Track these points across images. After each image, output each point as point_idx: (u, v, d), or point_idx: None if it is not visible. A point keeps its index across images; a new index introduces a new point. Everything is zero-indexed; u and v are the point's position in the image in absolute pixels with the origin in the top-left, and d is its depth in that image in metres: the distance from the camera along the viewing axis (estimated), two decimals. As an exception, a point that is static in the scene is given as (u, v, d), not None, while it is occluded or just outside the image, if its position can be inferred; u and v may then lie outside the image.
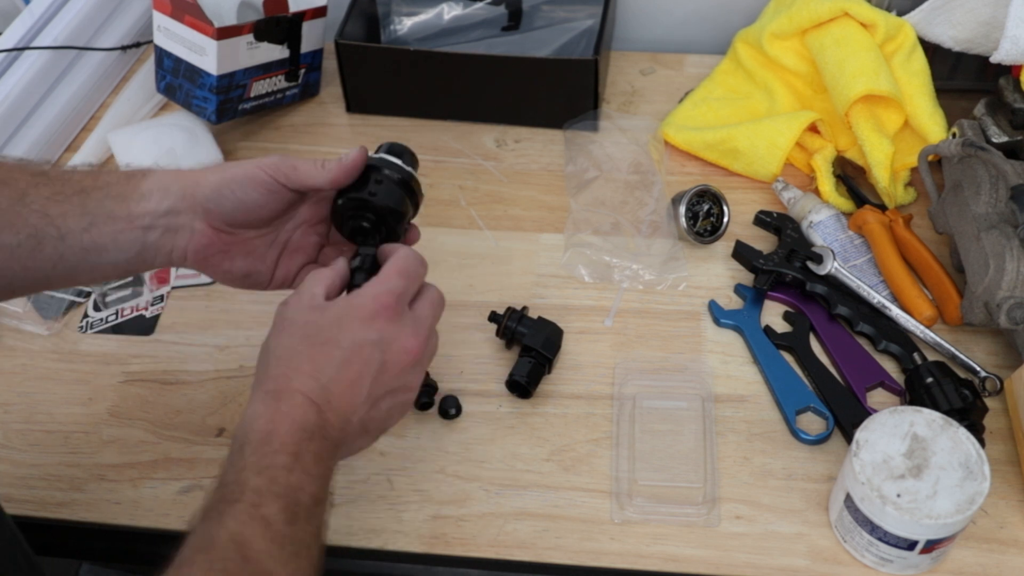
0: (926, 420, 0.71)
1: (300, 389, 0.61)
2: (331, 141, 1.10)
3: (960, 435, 0.70)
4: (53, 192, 0.66)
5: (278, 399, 0.60)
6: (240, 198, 0.69)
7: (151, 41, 1.07)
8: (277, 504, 0.56)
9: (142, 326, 0.92)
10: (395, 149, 0.74)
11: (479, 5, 1.16)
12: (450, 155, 1.08)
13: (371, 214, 0.72)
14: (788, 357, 0.87)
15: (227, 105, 1.04)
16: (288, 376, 0.61)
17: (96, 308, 0.94)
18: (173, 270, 0.96)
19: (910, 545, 0.69)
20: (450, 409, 0.83)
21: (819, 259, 0.90)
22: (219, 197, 0.68)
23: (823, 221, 0.94)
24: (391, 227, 0.73)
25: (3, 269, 0.66)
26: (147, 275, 0.95)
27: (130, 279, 0.95)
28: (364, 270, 0.70)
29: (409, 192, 0.73)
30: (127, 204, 0.67)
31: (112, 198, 0.67)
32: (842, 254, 0.93)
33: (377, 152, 0.74)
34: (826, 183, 0.98)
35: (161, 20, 1.03)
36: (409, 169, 0.74)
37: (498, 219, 1.01)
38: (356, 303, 0.64)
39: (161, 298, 0.94)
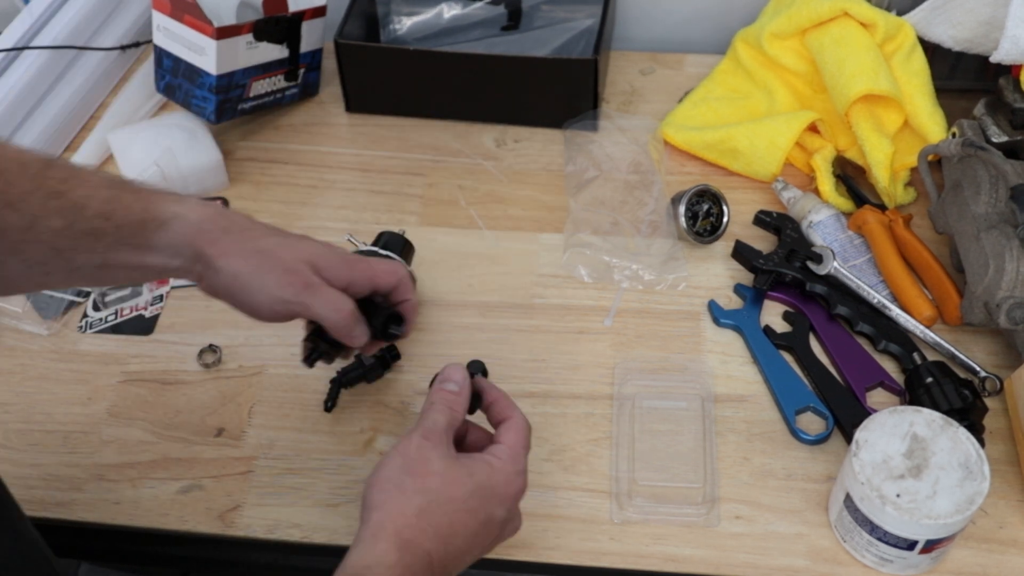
0: (926, 420, 0.71)
1: (430, 550, 0.60)
2: (331, 141, 1.10)
3: (960, 435, 0.70)
4: (64, 225, 0.63)
5: (408, 551, 0.60)
6: (239, 308, 0.69)
7: (150, 41, 1.07)
8: None
9: (141, 326, 0.92)
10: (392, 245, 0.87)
11: (479, 5, 1.16)
12: (450, 155, 1.08)
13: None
14: (788, 357, 0.87)
15: (226, 105, 1.04)
16: (424, 530, 0.61)
17: (95, 308, 0.93)
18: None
19: (910, 545, 0.69)
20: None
21: (819, 259, 0.90)
22: (219, 295, 0.69)
23: (823, 221, 0.94)
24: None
25: (11, 283, 0.66)
26: (147, 275, 0.95)
27: (130, 279, 0.95)
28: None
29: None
30: (140, 254, 0.66)
31: (124, 246, 0.65)
32: (842, 254, 0.93)
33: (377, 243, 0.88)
34: (826, 183, 0.98)
35: (160, 20, 1.03)
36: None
37: (498, 219, 1.00)
38: (498, 480, 0.64)
39: (160, 298, 0.94)
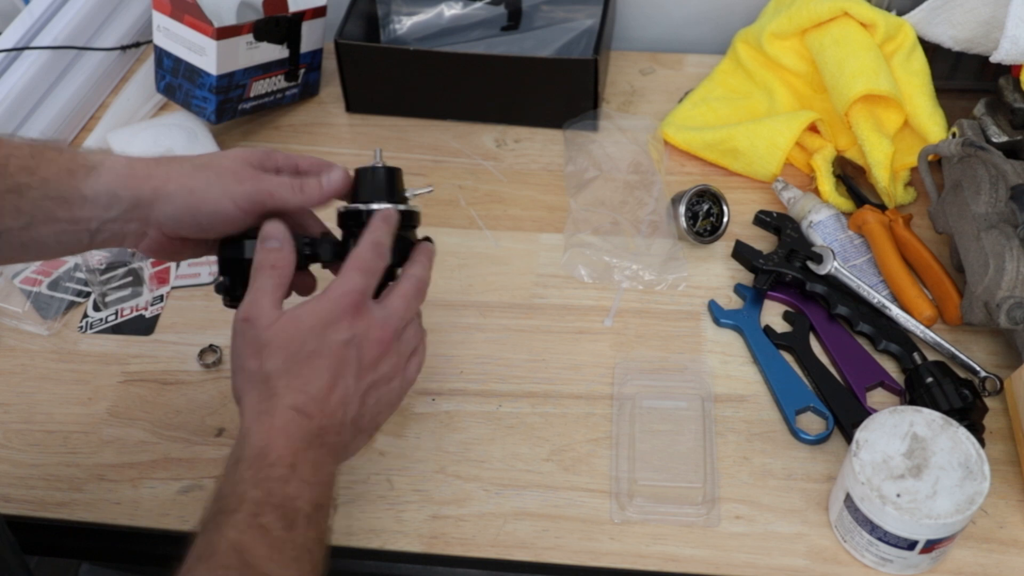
0: (926, 420, 0.71)
1: (291, 404, 0.61)
2: (331, 141, 1.10)
3: (960, 435, 0.70)
4: None
5: (271, 415, 0.61)
6: (203, 225, 0.66)
7: (151, 41, 1.07)
8: (275, 513, 0.57)
9: (142, 326, 0.92)
10: (379, 193, 0.71)
11: (479, 5, 1.16)
12: (450, 155, 1.08)
13: None
14: (788, 357, 0.87)
15: (227, 105, 1.04)
16: (278, 394, 0.62)
17: (96, 308, 0.93)
18: (173, 270, 0.96)
19: (910, 545, 0.69)
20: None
21: (819, 259, 0.90)
22: (178, 222, 0.66)
23: (823, 221, 0.94)
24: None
25: None
26: (147, 275, 0.95)
27: (130, 279, 0.95)
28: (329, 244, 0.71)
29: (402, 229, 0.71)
30: (69, 207, 0.63)
31: (51, 199, 0.63)
32: (842, 254, 0.93)
33: (358, 195, 0.71)
34: (826, 183, 0.98)
35: (161, 20, 1.03)
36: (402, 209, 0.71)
37: (498, 219, 1.01)
38: (323, 308, 0.64)
39: (161, 298, 0.94)
